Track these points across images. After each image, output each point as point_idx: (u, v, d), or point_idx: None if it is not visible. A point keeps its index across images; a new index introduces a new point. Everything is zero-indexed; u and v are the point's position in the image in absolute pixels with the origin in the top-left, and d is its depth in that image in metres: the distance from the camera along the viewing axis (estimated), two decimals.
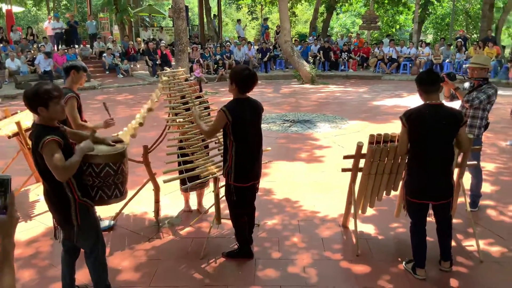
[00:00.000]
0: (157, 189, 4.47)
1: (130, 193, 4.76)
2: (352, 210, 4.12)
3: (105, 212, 4.59)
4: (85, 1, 28.16)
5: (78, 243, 3.07)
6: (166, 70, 4.79)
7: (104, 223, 4.45)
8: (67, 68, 4.23)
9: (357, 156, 3.87)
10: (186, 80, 4.55)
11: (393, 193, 4.12)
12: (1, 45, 16.09)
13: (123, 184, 3.18)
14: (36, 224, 4.55)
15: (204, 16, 23.33)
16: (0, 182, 1.55)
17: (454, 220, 4.30)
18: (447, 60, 16.78)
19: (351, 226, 4.28)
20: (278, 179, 5.83)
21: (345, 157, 3.94)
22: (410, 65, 17.58)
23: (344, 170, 4.03)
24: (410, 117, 3.34)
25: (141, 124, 4.16)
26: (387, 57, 18.12)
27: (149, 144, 4.39)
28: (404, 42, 19.63)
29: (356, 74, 18.32)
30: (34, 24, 36.61)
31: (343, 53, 19.19)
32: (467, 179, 4.73)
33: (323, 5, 26.86)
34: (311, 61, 18.02)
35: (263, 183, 5.60)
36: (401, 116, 3.39)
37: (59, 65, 15.07)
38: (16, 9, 22.03)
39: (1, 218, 1.56)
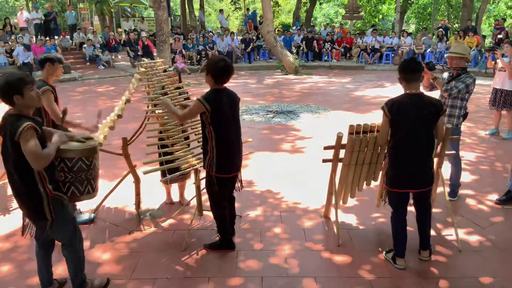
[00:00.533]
0: (137, 182, 4.42)
1: (110, 186, 4.75)
2: (333, 201, 4.14)
3: (85, 205, 4.54)
4: None
5: (55, 236, 3.03)
6: (144, 61, 4.71)
7: (84, 216, 4.39)
8: (41, 61, 4.12)
9: (337, 146, 3.88)
10: (165, 71, 4.48)
11: (374, 183, 4.15)
12: None
13: (95, 179, 3.11)
14: (14, 217, 4.46)
15: (186, 6, 23.03)
16: None
17: (433, 210, 4.36)
18: (429, 50, 16.94)
19: (332, 216, 4.30)
20: (260, 170, 5.83)
21: (326, 148, 3.95)
22: (392, 55, 17.70)
23: (324, 160, 4.04)
24: (392, 107, 3.34)
25: (119, 116, 4.09)
26: (370, 47, 18.20)
27: (129, 136, 4.33)
28: (387, 32, 19.72)
29: (340, 64, 18.38)
30: (12, 15, 35.68)
31: (326, 43, 19.21)
32: (446, 169, 4.80)
33: None
34: (294, 51, 17.98)
35: (245, 175, 5.60)
36: (383, 106, 3.39)
37: (37, 56, 14.74)
38: None
39: None
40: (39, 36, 17.27)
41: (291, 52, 17.21)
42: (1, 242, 4.03)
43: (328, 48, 19.05)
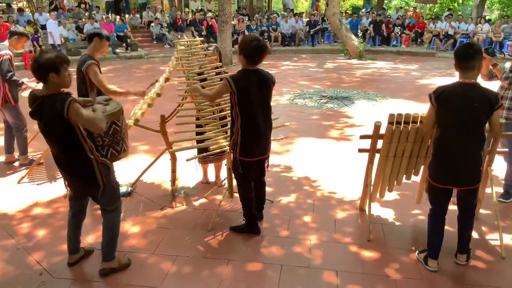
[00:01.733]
0: (174, 159, 4.47)
1: (147, 161, 4.86)
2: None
3: (124, 179, 4.69)
4: None
5: (103, 201, 3.12)
6: (184, 38, 4.70)
7: (122, 189, 4.53)
8: (90, 35, 4.24)
9: (375, 136, 3.64)
10: (206, 49, 4.45)
11: (415, 178, 3.87)
12: (56, 12, 16.66)
13: (127, 137, 3.42)
14: (59, 185, 4.72)
15: None
16: None
17: (481, 211, 4.03)
18: (509, 39, 15.51)
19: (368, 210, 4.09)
20: (302, 156, 5.68)
21: (362, 137, 3.73)
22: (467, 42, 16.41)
23: (360, 150, 3.82)
24: (439, 96, 3.05)
25: (158, 95, 4.14)
26: (443, 33, 17.03)
27: (167, 114, 4.38)
28: (463, 17, 18.31)
29: (409, 50, 17.42)
30: None
31: (396, 28, 18.25)
32: (503, 168, 4.38)
33: None
34: (360, 35, 17.26)
35: (285, 160, 5.52)
36: (431, 93, 3.10)
37: None
38: None
39: None
40: (109, 14, 18.06)
41: (357, 36, 16.55)
42: (43, 207, 4.28)
43: (397, 33, 18.10)
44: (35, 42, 14.13)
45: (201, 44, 4.53)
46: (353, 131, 6.74)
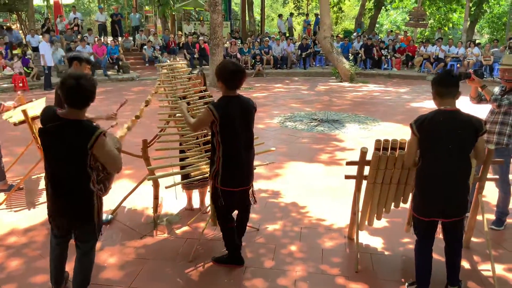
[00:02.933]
0: (156, 185, 4.32)
1: (130, 187, 4.70)
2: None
3: (104, 205, 4.51)
4: None
5: (85, 238, 2.94)
6: (164, 62, 4.64)
7: (103, 217, 4.36)
8: (70, 59, 4.17)
9: (361, 162, 3.53)
10: (190, 73, 4.37)
11: (404, 205, 3.75)
12: (48, 35, 16.65)
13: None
14: (38, 212, 4.54)
15: (247, 10, 23.15)
16: None
17: (474, 239, 3.90)
18: (499, 62, 15.66)
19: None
20: (290, 181, 5.55)
21: (348, 163, 3.62)
22: (458, 65, 16.58)
23: (347, 177, 3.70)
24: (422, 125, 2.97)
25: (137, 117, 4.02)
26: (434, 57, 17.20)
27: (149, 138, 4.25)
28: (453, 41, 18.55)
29: (400, 73, 17.54)
30: (86, 15, 37.97)
31: (386, 50, 18.41)
32: (494, 194, 4.27)
33: (372, 1, 25.92)
34: (351, 58, 17.37)
35: (273, 184, 5.38)
36: (412, 123, 3.02)
37: (98, 56, 15.43)
38: (66, 0, 22.77)
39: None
40: (102, 36, 18.10)
41: (348, 59, 16.66)
42: (18, 236, 4.08)
43: (388, 56, 18.26)
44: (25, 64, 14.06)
45: (184, 68, 4.43)
46: (344, 155, 6.63)
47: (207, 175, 3.61)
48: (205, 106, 4.07)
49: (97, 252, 3.67)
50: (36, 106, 5.13)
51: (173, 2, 19.74)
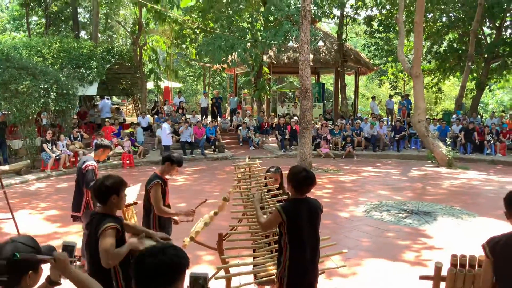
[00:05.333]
0: (228, 280, 4.41)
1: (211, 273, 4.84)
2: None
3: None
4: None
5: None
6: (242, 162, 4.91)
7: None
8: (164, 158, 4.60)
9: (436, 278, 3.31)
10: (268, 171, 4.58)
11: None
12: (157, 116, 18.60)
13: None
14: None
15: (339, 92, 23.69)
16: None
17: None
18: None
19: None
20: (369, 281, 5.28)
21: (421, 278, 3.41)
22: None
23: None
24: (495, 247, 2.74)
25: (216, 214, 4.27)
26: None
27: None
28: None
29: (505, 159, 16.18)
30: (193, 96, 41.83)
31: (489, 135, 17.28)
32: None
33: (474, 82, 24.91)
34: (449, 142, 16.53)
35: (349, 284, 5.16)
36: (484, 244, 2.80)
37: (198, 137, 16.70)
38: (176, 85, 25.44)
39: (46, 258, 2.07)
40: (203, 118, 19.71)
41: (445, 143, 15.90)
42: None
43: (490, 141, 17.08)
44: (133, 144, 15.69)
45: (259, 167, 4.67)
46: (431, 255, 6.18)
47: (273, 277, 3.64)
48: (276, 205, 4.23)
49: None
50: (129, 192, 5.65)
51: (269, 87, 20.95)
